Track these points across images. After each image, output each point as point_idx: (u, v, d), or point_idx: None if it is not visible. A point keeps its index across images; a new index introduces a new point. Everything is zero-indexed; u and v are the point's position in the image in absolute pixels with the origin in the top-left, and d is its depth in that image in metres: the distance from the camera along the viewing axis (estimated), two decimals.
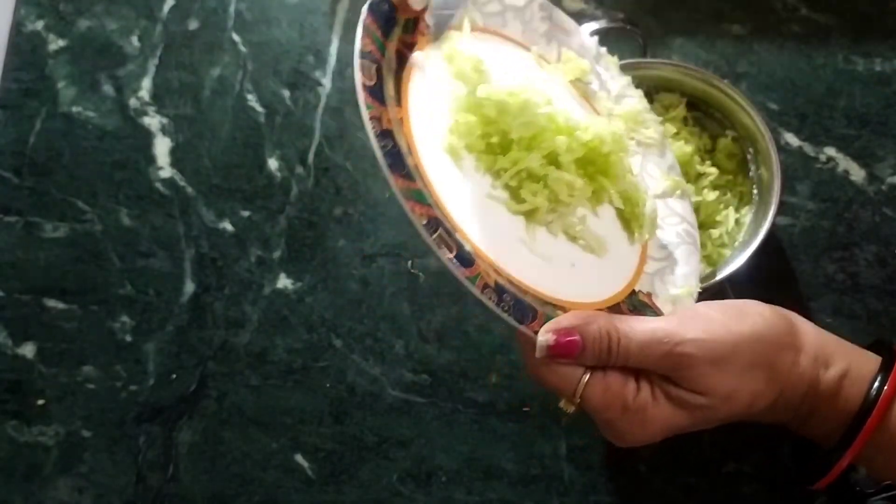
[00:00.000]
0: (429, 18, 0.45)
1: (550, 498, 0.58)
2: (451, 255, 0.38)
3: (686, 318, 0.42)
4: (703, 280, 0.52)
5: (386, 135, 0.38)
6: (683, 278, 0.48)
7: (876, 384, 0.43)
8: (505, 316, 0.40)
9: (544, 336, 0.40)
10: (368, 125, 0.38)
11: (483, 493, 0.59)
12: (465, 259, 0.39)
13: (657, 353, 0.41)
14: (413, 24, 0.44)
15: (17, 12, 0.68)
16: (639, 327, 0.42)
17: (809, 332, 0.44)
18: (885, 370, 0.43)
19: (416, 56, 0.44)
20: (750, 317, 0.43)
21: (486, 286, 0.39)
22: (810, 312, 0.60)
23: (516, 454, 0.59)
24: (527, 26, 0.51)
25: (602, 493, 0.58)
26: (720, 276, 0.53)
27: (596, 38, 0.54)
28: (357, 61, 0.39)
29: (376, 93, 0.39)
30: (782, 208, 0.60)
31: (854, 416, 0.43)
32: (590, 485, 0.59)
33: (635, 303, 0.46)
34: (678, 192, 0.52)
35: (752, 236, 0.54)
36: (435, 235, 0.38)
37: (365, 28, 0.40)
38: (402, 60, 0.43)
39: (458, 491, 0.59)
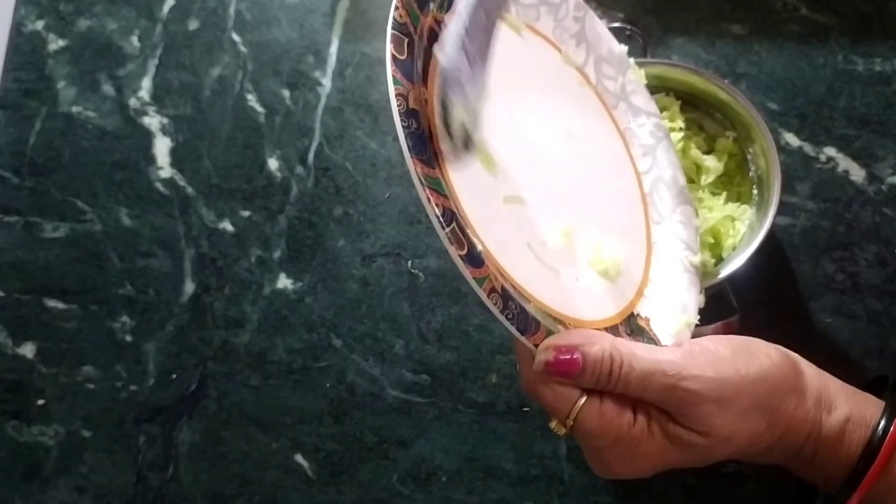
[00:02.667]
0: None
1: (550, 498, 0.58)
2: (463, 253, 0.36)
3: (694, 352, 0.41)
4: (703, 280, 0.52)
5: (411, 114, 0.37)
6: (682, 308, 0.47)
7: (881, 427, 0.42)
8: (508, 324, 0.38)
9: (545, 352, 0.39)
10: (394, 102, 0.36)
11: (483, 493, 0.59)
12: (476, 259, 0.37)
13: (660, 385, 0.39)
14: (449, 2, 0.42)
15: (17, 12, 0.68)
16: (643, 355, 0.40)
17: (813, 376, 0.43)
18: (888, 413, 0.43)
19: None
20: (757, 358, 0.42)
21: (493, 290, 0.37)
22: (810, 312, 0.60)
23: (516, 454, 0.59)
24: (559, 24, 0.50)
25: (602, 493, 0.58)
26: (720, 276, 0.53)
27: (625, 47, 0.53)
28: (389, 32, 0.37)
29: (406, 68, 0.37)
30: (782, 208, 0.60)
31: (858, 461, 0.42)
32: (590, 485, 0.59)
33: (633, 326, 0.45)
34: (686, 218, 0.51)
35: (752, 236, 0.54)
36: (448, 229, 0.36)
37: None
38: (433, 38, 0.41)
39: (458, 491, 0.59)
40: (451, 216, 0.36)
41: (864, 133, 0.63)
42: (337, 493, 0.59)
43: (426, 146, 0.37)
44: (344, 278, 0.63)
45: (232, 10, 0.68)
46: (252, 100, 0.66)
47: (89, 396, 0.61)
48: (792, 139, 0.63)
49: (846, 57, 0.64)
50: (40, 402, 0.61)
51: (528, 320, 0.39)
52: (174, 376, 0.61)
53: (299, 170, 0.65)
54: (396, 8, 0.38)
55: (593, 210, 0.47)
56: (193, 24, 0.68)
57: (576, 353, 0.39)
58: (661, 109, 0.59)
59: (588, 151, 0.49)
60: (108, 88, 0.67)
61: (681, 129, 0.57)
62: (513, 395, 0.60)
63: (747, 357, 0.41)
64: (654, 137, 0.53)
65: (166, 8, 0.68)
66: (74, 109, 0.66)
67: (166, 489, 0.60)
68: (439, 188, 0.37)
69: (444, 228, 0.36)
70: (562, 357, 0.39)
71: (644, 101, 0.53)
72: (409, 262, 0.63)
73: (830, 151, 0.63)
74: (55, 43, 0.68)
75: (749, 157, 0.57)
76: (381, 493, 0.59)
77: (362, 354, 0.61)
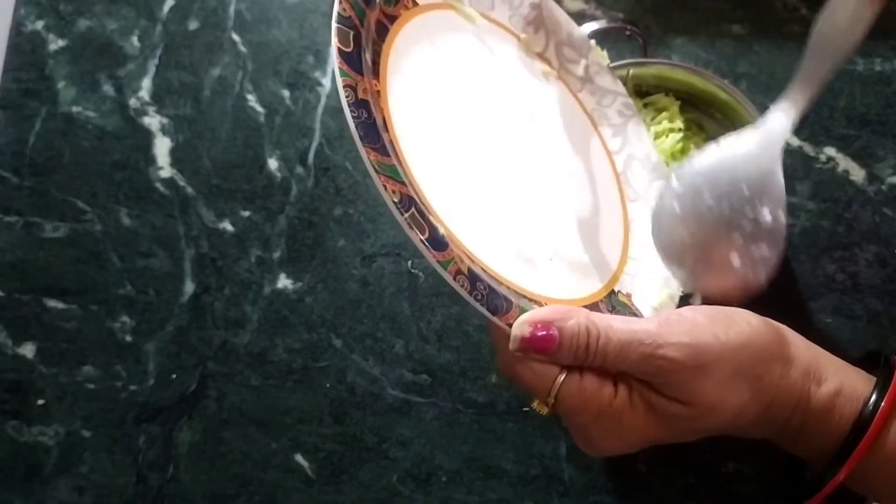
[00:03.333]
0: None
1: (550, 498, 0.58)
2: (423, 237, 0.37)
3: (670, 320, 0.40)
4: None
5: (361, 105, 0.37)
6: (664, 280, 0.47)
7: (872, 401, 0.42)
8: (477, 305, 0.38)
9: (519, 328, 0.38)
10: (342, 93, 0.36)
11: (483, 493, 0.59)
12: (438, 242, 0.37)
13: (637, 355, 0.39)
14: None
15: (17, 12, 0.68)
16: (619, 326, 0.39)
17: (800, 346, 0.43)
18: (880, 387, 0.42)
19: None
20: (738, 324, 0.41)
21: (458, 272, 0.37)
22: (810, 312, 0.60)
23: (516, 454, 0.59)
24: (514, 12, 0.50)
25: (602, 493, 0.58)
26: None
27: (586, 29, 0.53)
28: (334, 26, 0.38)
29: (353, 60, 0.38)
30: None
31: (848, 434, 0.41)
32: (590, 485, 0.59)
33: (615, 303, 0.45)
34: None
35: None
36: (407, 215, 0.36)
37: None
38: (382, 32, 0.41)
39: (458, 491, 0.59)
40: (410, 202, 0.37)
41: (864, 133, 0.63)
42: (337, 493, 0.59)
43: (379, 135, 0.37)
44: (344, 278, 0.63)
45: (232, 10, 0.68)
46: (252, 100, 0.66)
47: (89, 396, 0.61)
48: (792, 139, 0.63)
49: None
50: (40, 402, 0.61)
51: (498, 300, 0.38)
52: (174, 376, 0.61)
53: (299, 170, 0.65)
54: (340, 2, 0.39)
55: (563, 193, 0.47)
56: (193, 24, 0.68)
57: (551, 328, 0.38)
58: (661, 110, 0.59)
59: (554, 135, 0.49)
60: (108, 88, 0.67)
61: (680, 129, 0.57)
62: (513, 395, 0.60)
63: (727, 324, 0.40)
64: (622, 116, 0.52)
65: (166, 8, 0.68)
66: (74, 109, 0.66)
67: (166, 489, 0.60)
68: (395, 175, 0.37)
69: (402, 214, 0.36)
70: (538, 332, 0.38)
71: (609, 81, 0.53)
72: (409, 262, 0.63)
73: (830, 151, 0.63)
74: (55, 43, 0.68)
75: None
76: (381, 493, 0.59)
77: (362, 354, 0.61)
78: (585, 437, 0.41)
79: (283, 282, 0.63)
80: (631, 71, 0.57)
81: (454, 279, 0.37)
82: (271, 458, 0.60)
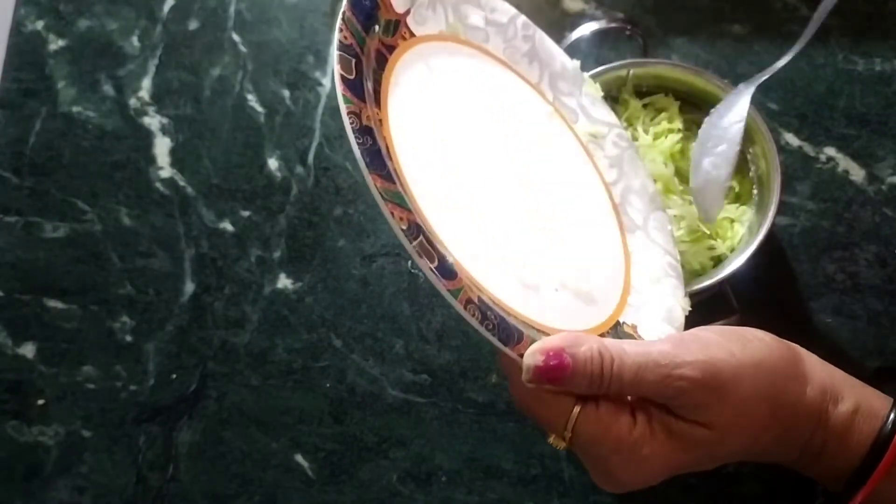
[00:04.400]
0: (411, 23, 0.44)
1: (550, 498, 0.58)
2: (434, 265, 0.36)
3: (685, 340, 0.40)
4: (702, 280, 0.52)
5: (365, 132, 0.37)
6: (668, 312, 0.47)
7: (891, 419, 0.41)
8: (489, 335, 0.37)
9: (531, 357, 0.38)
10: (346, 120, 0.36)
11: (483, 493, 0.59)
12: (448, 271, 0.37)
13: (654, 377, 0.38)
14: (395, 27, 0.43)
15: (17, 12, 0.68)
16: (633, 350, 0.39)
17: (815, 364, 0.42)
18: None
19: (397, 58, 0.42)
20: (752, 343, 0.40)
21: (469, 301, 0.37)
22: (810, 312, 0.60)
23: (516, 454, 0.59)
24: (509, 44, 0.50)
25: (602, 493, 0.58)
26: (720, 276, 0.53)
27: (577, 62, 0.53)
28: (335, 53, 0.38)
29: (356, 88, 0.38)
30: (782, 208, 0.60)
31: (868, 453, 0.41)
32: (590, 485, 0.58)
33: (620, 334, 0.45)
34: (661, 224, 0.51)
35: (752, 236, 0.54)
36: (416, 243, 0.36)
37: (346, 20, 0.39)
38: (381, 61, 0.41)
39: (458, 491, 0.59)
40: (418, 229, 0.36)
41: (864, 133, 0.63)
42: (337, 493, 0.59)
43: (384, 162, 0.37)
44: (344, 278, 0.63)
45: (232, 10, 0.68)
46: (252, 100, 0.66)
47: (89, 396, 0.61)
48: (792, 139, 0.63)
49: (846, 57, 0.64)
50: (40, 402, 0.61)
51: (510, 330, 0.38)
52: (174, 376, 0.61)
53: (299, 170, 0.65)
54: (341, 30, 0.39)
55: (563, 223, 0.47)
56: (193, 24, 0.68)
57: (564, 355, 0.38)
58: (661, 110, 0.59)
59: (552, 166, 0.49)
60: (108, 88, 0.67)
61: (679, 129, 0.57)
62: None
63: (741, 342, 0.40)
64: (617, 148, 0.53)
65: (166, 8, 0.68)
66: (74, 109, 0.66)
67: (166, 489, 0.60)
68: (402, 202, 0.37)
69: (411, 242, 0.36)
70: (551, 362, 0.38)
71: (604, 112, 0.53)
72: (409, 262, 0.63)
73: (830, 151, 0.63)
74: (55, 43, 0.68)
75: (749, 157, 0.57)
76: (381, 493, 0.59)
77: (362, 354, 0.61)
78: (605, 470, 0.40)
79: (283, 282, 0.63)
80: (631, 71, 0.57)
81: (465, 309, 0.36)
82: (271, 458, 0.60)
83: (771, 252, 0.60)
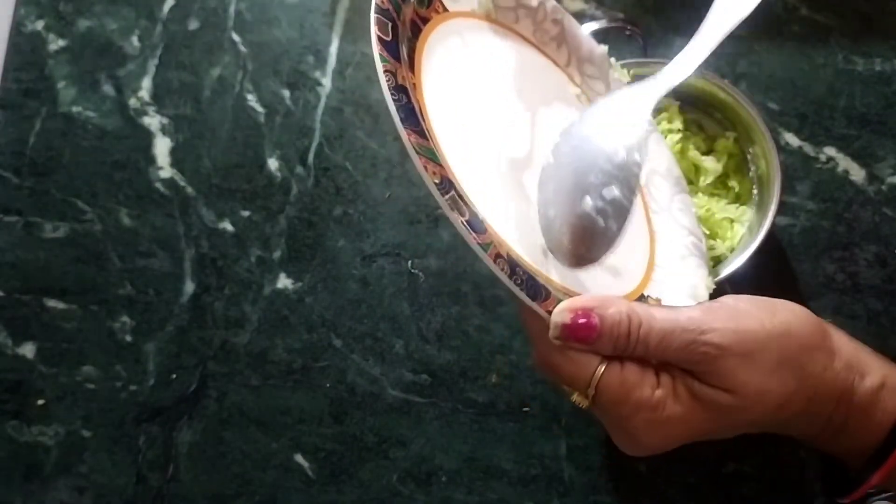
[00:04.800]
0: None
1: (550, 498, 0.58)
2: (464, 219, 0.36)
3: (713, 307, 0.39)
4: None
5: (401, 90, 0.37)
6: (692, 288, 0.47)
7: None
8: (517, 290, 0.37)
9: (560, 315, 0.37)
10: (383, 77, 0.37)
11: (483, 493, 0.59)
12: (478, 225, 0.37)
13: (681, 342, 0.38)
14: (429, 0, 0.43)
15: (17, 12, 0.68)
16: (661, 314, 0.38)
17: (842, 339, 0.42)
18: None
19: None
20: (781, 313, 0.40)
21: (498, 256, 0.36)
22: None
23: (516, 454, 0.59)
24: (538, 27, 0.50)
25: (602, 493, 0.58)
26: (720, 276, 0.53)
27: (605, 47, 0.54)
28: (373, 15, 0.38)
29: (392, 49, 0.38)
30: (782, 208, 0.60)
31: (891, 429, 0.40)
32: (590, 485, 0.59)
33: None
34: (685, 205, 0.51)
35: (752, 236, 0.54)
36: (448, 196, 0.36)
37: None
38: (415, 31, 0.42)
39: (458, 491, 0.59)
40: (450, 184, 0.36)
41: (864, 133, 0.63)
42: (337, 493, 0.59)
43: (418, 119, 0.37)
44: (344, 278, 0.63)
45: (232, 10, 0.68)
46: (252, 100, 0.66)
47: (89, 396, 0.61)
48: (792, 139, 0.63)
49: (846, 57, 0.64)
50: (40, 402, 0.61)
51: (538, 287, 0.38)
52: (174, 376, 0.61)
53: (299, 170, 0.65)
54: None
55: None
56: (193, 24, 0.68)
57: (592, 315, 0.38)
58: (661, 110, 0.59)
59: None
60: (108, 88, 0.67)
61: (679, 129, 0.57)
62: (513, 395, 0.60)
63: (771, 311, 0.39)
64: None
65: (166, 8, 0.68)
66: (74, 109, 0.66)
67: (166, 489, 0.60)
68: (434, 158, 0.37)
69: (443, 196, 0.36)
70: (579, 320, 0.37)
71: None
72: (409, 262, 0.63)
73: (830, 151, 0.63)
74: (55, 43, 0.68)
75: (749, 157, 0.57)
76: (381, 493, 0.59)
77: (362, 354, 0.61)
78: (627, 430, 0.39)
79: (283, 282, 0.63)
80: (631, 71, 0.57)
81: (494, 262, 0.36)
82: (271, 458, 0.60)
83: (771, 252, 0.60)
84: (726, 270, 0.53)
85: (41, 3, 0.68)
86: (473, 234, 0.36)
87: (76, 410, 0.61)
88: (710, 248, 0.56)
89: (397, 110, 0.36)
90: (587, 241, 0.41)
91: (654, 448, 0.40)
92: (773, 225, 0.53)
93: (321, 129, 0.65)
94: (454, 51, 0.44)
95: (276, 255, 0.63)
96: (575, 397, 0.39)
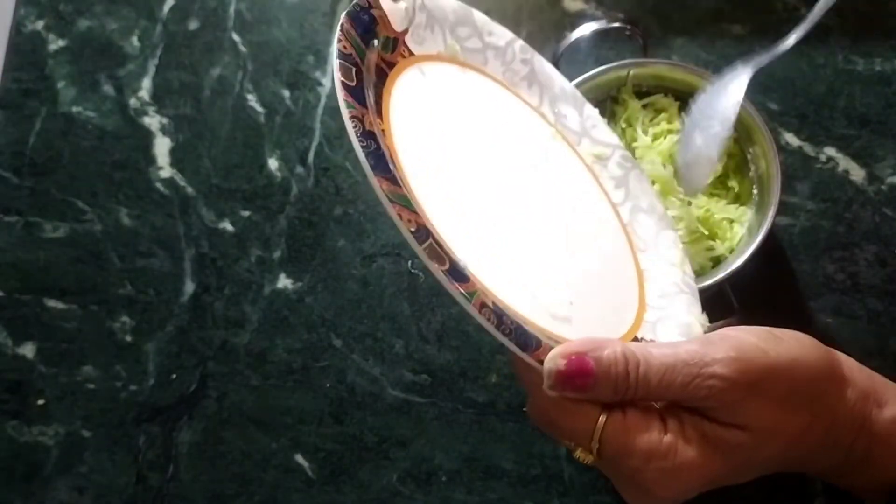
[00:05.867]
0: (410, 42, 0.44)
1: (550, 498, 0.59)
2: (445, 268, 0.35)
3: (712, 339, 0.37)
4: (702, 280, 0.52)
5: (369, 135, 0.36)
6: (686, 327, 0.46)
7: None
8: (506, 340, 0.35)
9: (552, 362, 0.35)
10: (349, 124, 0.36)
11: (483, 493, 0.59)
12: (460, 274, 0.35)
13: (684, 378, 0.35)
14: (394, 44, 0.43)
15: (17, 12, 0.68)
16: (658, 351, 0.36)
17: (853, 367, 0.40)
18: None
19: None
20: (785, 342, 0.38)
21: (483, 305, 0.35)
22: (810, 312, 0.60)
23: (516, 454, 0.59)
24: (507, 67, 0.50)
25: (602, 493, 0.58)
26: (720, 276, 0.53)
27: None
28: (336, 61, 0.38)
29: (357, 94, 0.37)
30: (782, 208, 0.60)
31: None
32: (590, 485, 0.59)
33: None
34: (671, 242, 0.51)
35: (752, 236, 0.54)
36: (425, 245, 0.35)
37: (345, 32, 0.39)
38: (382, 76, 0.41)
39: (458, 491, 0.59)
40: (427, 232, 0.35)
41: (864, 133, 0.63)
42: (337, 493, 0.59)
43: (388, 166, 0.36)
44: (344, 278, 0.63)
45: (232, 10, 0.68)
46: (252, 100, 0.66)
47: (89, 396, 0.61)
48: (792, 139, 0.63)
49: (846, 57, 0.64)
50: (40, 402, 0.61)
51: (528, 336, 0.36)
52: (174, 376, 0.61)
53: (299, 170, 0.65)
54: (339, 41, 0.38)
55: (573, 241, 0.46)
56: (193, 24, 0.68)
57: (586, 358, 0.36)
58: (660, 111, 0.59)
59: (558, 184, 0.49)
60: (108, 88, 0.67)
61: (678, 130, 0.57)
62: (513, 395, 0.60)
63: (775, 341, 0.37)
64: (622, 168, 0.53)
65: (166, 8, 0.68)
66: (74, 109, 0.66)
67: (166, 489, 0.60)
68: (409, 205, 0.36)
69: (420, 245, 0.35)
70: (573, 366, 0.35)
71: (606, 133, 0.53)
72: (409, 262, 0.63)
73: (830, 151, 0.63)
74: (55, 43, 0.68)
75: (749, 157, 0.57)
76: (381, 493, 0.59)
77: (362, 354, 0.61)
78: (639, 484, 0.37)
79: (283, 282, 0.63)
80: (631, 71, 0.57)
81: (479, 313, 0.35)
82: (271, 458, 0.60)
83: (771, 252, 0.60)
84: (726, 270, 0.53)
85: (41, 3, 0.68)
86: (455, 284, 0.34)
87: (76, 410, 0.61)
88: (710, 249, 0.56)
89: (366, 157, 0.35)
90: (696, 166, 0.52)
91: (672, 498, 0.37)
92: (773, 225, 0.54)
93: (321, 129, 0.65)
94: (422, 95, 0.43)
95: (276, 255, 0.63)
96: (579, 453, 0.37)
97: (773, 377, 0.36)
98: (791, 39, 0.53)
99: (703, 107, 0.54)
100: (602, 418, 0.36)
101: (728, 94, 0.53)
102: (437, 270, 0.35)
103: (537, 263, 0.42)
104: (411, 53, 0.44)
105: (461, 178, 0.42)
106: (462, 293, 0.35)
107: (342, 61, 0.38)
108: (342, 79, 0.37)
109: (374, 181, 0.35)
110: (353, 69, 0.38)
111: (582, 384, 0.36)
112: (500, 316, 0.35)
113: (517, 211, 0.44)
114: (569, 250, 0.45)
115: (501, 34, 0.50)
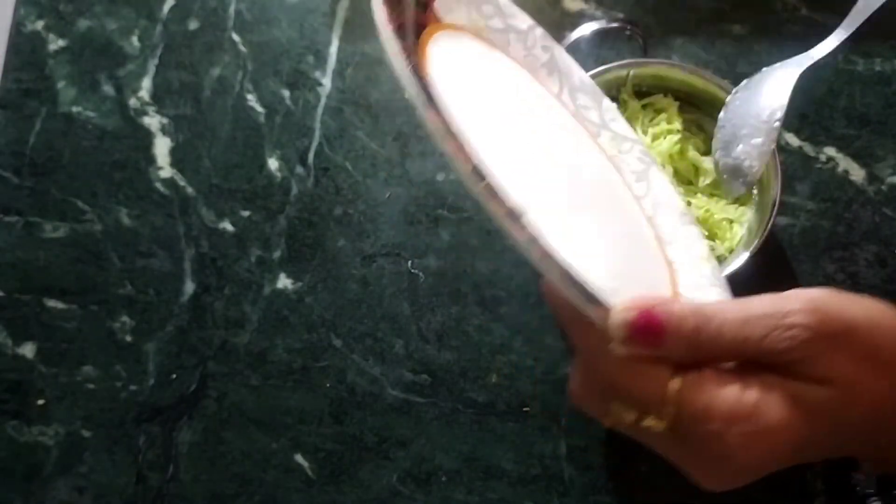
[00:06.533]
0: (439, 8, 0.43)
1: (550, 498, 0.59)
2: (504, 211, 0.31)
3: (785, 295, 0.34)
4: None
5: (418, 72, 0.34)
6: None
7: None
8: (575, 291, 0.32)
9: (622, 313, 0.32)
10: (400, 56, 0.33)
11: (483, 493, 0.59)
12: (517, 219, 0.32)
13: (762, 330, 0.32)
14: (424, 6, 0.42)
15: (17, 12, 0.68)
16: (729, 307, 0.33)
17: None
18: None
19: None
20: (860, 301, 0.35)
21: (545, 254, 0.32)
22: None
23: (516, 454, 0.59)
24: (528, 52, 0.49)
25: (602, 493, 0.58)
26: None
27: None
28: (380, 5, 0.35)
29: (401, 34, 0.35)
30: (782, 208, 0.60)
31: None
32: (590, 485, 0.59)
33: None
34: (693, 235, 0.50)
35: (752, 237, 0.54)
36: (483, 184, 0.32)
37: None
38: (416, 33, 0.40)
39: (458, 491, 0.59)
40: (482, 173, 0.32)
41: (864, 133, 0.63)
42: (337, 493, 0.59)
43: (437, 106, 0.33)
44: (344, 278, 0.63)
45: (232, 10, 0.68)
46: (252, 100, 0.66)
47: (89, 396, 0.61)
48: (792, 139, 0.63)
49: (846, 57, 0.64)
50: (40, 402, 0.61)
51: (590, 287, 0.32)
52: (174, 376, 0.61)
53: (299, 170, 0.65)
54: None
55: (602, 228, 0.45)
56: (193, 24, 0.68)
57: (657, 310, 0.33)
58: (660, 111, 0.59)
59: (586, 167, 0.48)
60: (108, 88, 0.67)
61: (678, 130, 0.57)
62: (513, 395, 0.60)
63: (849, 300, 0.34)
64: (642, 163, 0.52)
65: (166, 8, 0.68)
66: (74, 109, 0.66)
67: (166, 489, 0.60)
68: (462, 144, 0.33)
69: (479, 183, 0.32)
70: (643, 316, 0.32)
71: (624, 128, 0.53)
72: (409, 262, 0.63)
73: (830, 151, 0.63)
74: (55, 43, 0.68)
75: None
76: (381, 493, 0.59)
77: (362, 354, 0.61)
78: (719, 453, 0.33)
79: (283, 282, 0.63)
80: (631, 71, 0.57)
81: (541, 259, 0.32)
82: (271, 458, 0.60)
83: (771, 252, 0.60)
84: (726, 270, 0.53)
85: (41, 3, 0.68)
86: (519, 224, 0.31)
87: (76, 410, 0.61)
88: (710, 249, 0.56)
89: (420, 89, 0.32)
90: (736, 176, 0.54)
91: (755, 469, 0.34)
92: (773, 225, 0.54)
93: (321, 129, 0.65)
94: (455, 60, 0.42)
95: (276, 255, 0.63)
96: (648, 421, 0.34)
97: (854, 332, 0.33)
98: (832, 41, 0.53)
99: (744, 109, 0.53)
100: (676, 379, 0.33)
101: (772, 96, 0.52)
102: (498, 211, 0.32)
103: (573, 242, 0.40)
104: (438, 20, 0.43)
105: (494, 149, 0.40)
106: (530, 234, 0.31)
107: (386, 5, 0.36)
108: (388, 12, 0.35)
109: (428, 114, 0.32)
110: (395, 12, 0.36)
111: (654, 338, 0.33)
112: (565, 265, 0.32)
113: (551, 188, 0.43)
114: (602, 235, 0.44)
115: (522, 18, 0.49)
